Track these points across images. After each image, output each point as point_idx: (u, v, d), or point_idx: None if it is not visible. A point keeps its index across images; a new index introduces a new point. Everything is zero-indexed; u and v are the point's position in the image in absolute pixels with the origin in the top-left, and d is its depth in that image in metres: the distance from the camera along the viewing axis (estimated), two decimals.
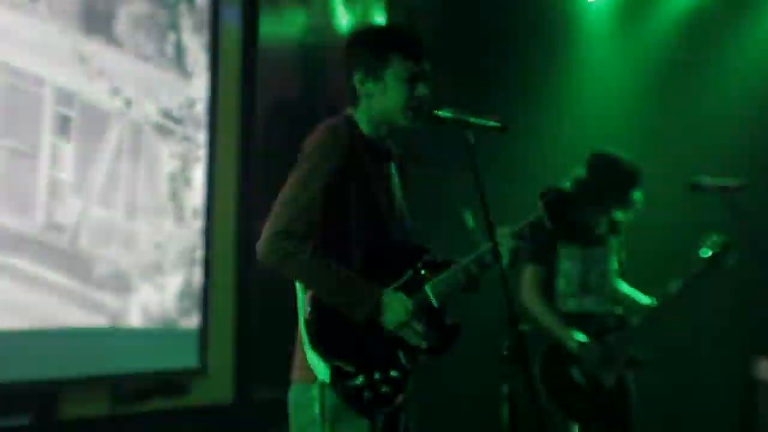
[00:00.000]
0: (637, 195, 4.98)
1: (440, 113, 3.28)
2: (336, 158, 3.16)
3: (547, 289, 4.99)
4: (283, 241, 3.07)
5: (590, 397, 4.90)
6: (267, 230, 3.10)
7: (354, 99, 3.35)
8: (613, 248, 5.12)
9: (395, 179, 3.43)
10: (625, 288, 5.18)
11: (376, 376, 3.14)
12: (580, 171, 5.01)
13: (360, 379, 3.10)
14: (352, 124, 3.29)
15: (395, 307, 3.16)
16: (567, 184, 4.92)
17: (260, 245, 3.10)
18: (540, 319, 4.93)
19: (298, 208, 3.10)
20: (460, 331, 3.32)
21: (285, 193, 3.15)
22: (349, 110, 3.37)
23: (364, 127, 3.32)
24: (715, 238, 4.91)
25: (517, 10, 7.55)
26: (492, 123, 3.27)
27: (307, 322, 3.12)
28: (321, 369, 3.10)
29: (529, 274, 5.00)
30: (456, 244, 3.42)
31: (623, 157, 5.02)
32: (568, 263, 4.98)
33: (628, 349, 4.97)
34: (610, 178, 4.98)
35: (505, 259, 3.29)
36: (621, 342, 4.95)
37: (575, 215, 4.99)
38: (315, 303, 3.11)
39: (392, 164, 3.43)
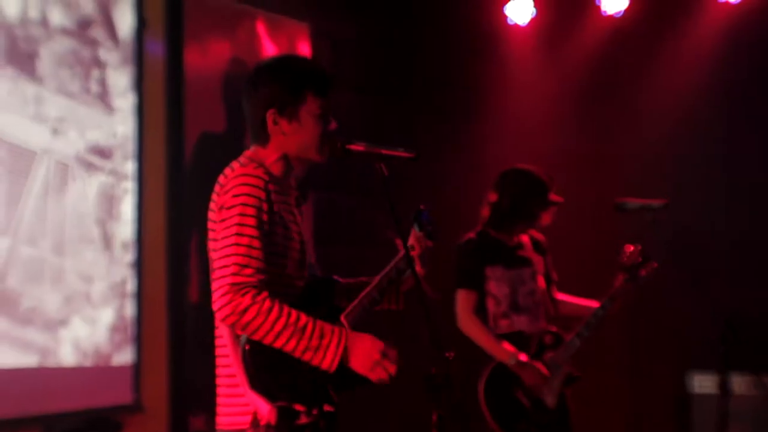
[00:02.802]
0: (553, 195, 5.08)
1: (352, 147, 3.31)
2: (259, 202, 3.15)
3: (479, 312, 5.06)
4: (237, 294, 3.03)
5: (533, 417, 4.95)
6: (218, 288, 3.06)
7: (261, 135, 3.33)
8: (540, 268, 5.19)
9: (300, 212, 3.44)
10: (564, 297, 5.27)
11: (314, 412, 3.15)
12: (492, 195, 5.10)
13: (303, 418, 3.11)
14: (261, 164, 3.26)
15: (366, 348, 3.14)
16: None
17: (216, 304, 3.05)
18: (478, 341, 4.99)
19: (240, 257, 3.07)
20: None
21: (223, 246, 3.11)
22: (253, 148, 3.35)
23: (272, 165, 3.31)
24: (632, 249, 5.00)
25: (440, 34, 7.63)
26: (404, 153, 3.31)
27: (245, 359, 3.09)
28: (263, 408, 3.09)
29: (461, 299, 5.08)
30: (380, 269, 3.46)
31: (527, 168, 5.12)
32: (495, 285, 5.05)
33: (565, 366, 5.03)
34: (526, 186, 5.08)
35: (420, 261, 3.35)
36: (559, 359, 5.01)
37: (499, 237, 5.10)
38: (251, 339, 3.09)
39: (294, 198, 3.43)
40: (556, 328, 5.14)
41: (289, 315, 3.05)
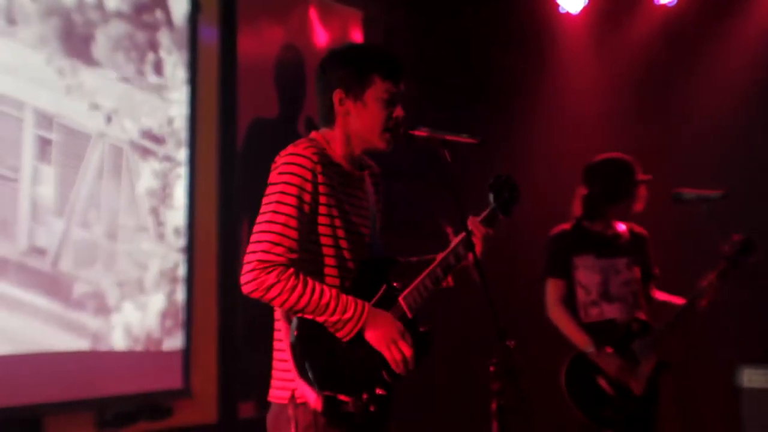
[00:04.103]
0: (640, 177, 5.09)
1: (416, 133, 3.29)
2: (303, 182, 3.15)
3: (569, 300, 5.09)
4: (264, 272, 3.05)
5: (619, 404, 4.93)
6: (247, 262, 3.08)
7: (328, 117, 3.35)
8: (637, 259, 5.17)
9: (369, 197, 3.43)
10: (658, 295, 5.25)
11: (364, 397, 3.14)
12: (582, 188, 5.14)
13: (350, 405, 3.10)
14: (320, 145, 3.27)
15: (386, 325, 3.17)
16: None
17: (243, 278, 3.08)
18: (562, 330, 5.05)
19: (274, 235, 3.08)
20: (432, 339, 3.32)
21: (259, 222, 3.13)
22: (321, 130, 3.36)
23: (337, 147, 3.32)
24: (734, 238, 4.97)
25: (492, 23, 7.60)
26: (468, 138, 3.29)
27: (293, 346, 3.11)
28: (311, 396, 3.09)
29: (549, 288, 5.18)
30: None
31: (610, 154, 5.18)
32: (584, 274, 5.08)
33: (654, 353, 5.01)
34: (615, 170, 5.11)
35: (481, 246, 3.33)
36: (646, 347, 4.99)
37: (594, 228, 5.11)
38: (301, 326, 3.10)
39: (367, 182, 3.43)
40: (644, 316, 5.11)
41: (313, 292, 3.07)
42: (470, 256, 3.32)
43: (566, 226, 5.21)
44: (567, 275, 5.13)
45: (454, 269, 3.40)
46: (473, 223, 3.41)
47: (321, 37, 6.52)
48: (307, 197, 3.15)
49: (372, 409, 3.16)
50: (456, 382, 6.20)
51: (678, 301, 5.13)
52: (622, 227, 5.22)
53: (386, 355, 3.17)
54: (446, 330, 3.51)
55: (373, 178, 3.49)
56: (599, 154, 5.26)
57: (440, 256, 3.37)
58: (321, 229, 3.21)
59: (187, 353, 5.59)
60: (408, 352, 3.17)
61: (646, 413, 5.00)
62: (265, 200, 3.17)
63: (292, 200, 3.13)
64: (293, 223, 3.11)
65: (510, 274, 6.08)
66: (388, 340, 3.16)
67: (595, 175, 5.17)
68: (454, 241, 3.38)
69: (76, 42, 5.03)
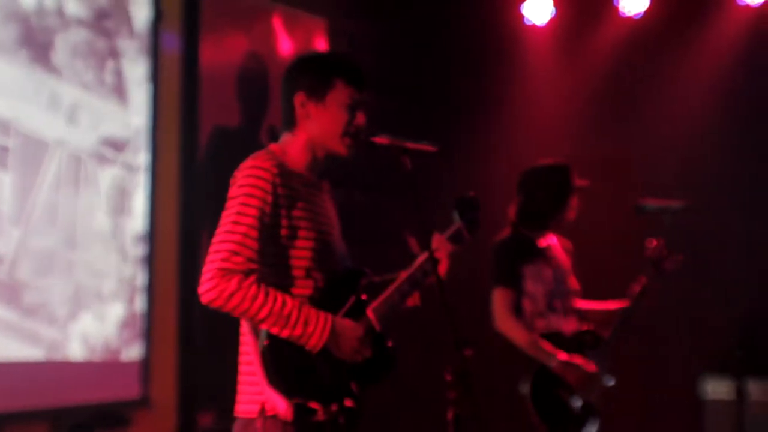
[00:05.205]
0: (577, 184, 5.05)
1: (377, 140, 3.29)
2: (264, 194, 3.14)
3: (515, 312, 4.99)
4: (224, 280, 3.03)
5: (581, 418, 4.91)
6: (206, 271, 3.06)
7: (290, 121, 3.34)
8: (570, 269, 5.15)
9: (329, 204, 3.42)
10: (584, 304, 5.22)
11: (334, 408, 3.13)
12: (520, 195, 5.07)
13: (320, 413, 3.10)
14: (279, 158, 3.26)
15: (347, 335, 3.16)
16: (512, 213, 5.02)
17: (202, 287, 3.05)
18: (516, 341, 4.91)
19: (234, 244, 3.07)
20: (396, 354, 3.33)
21: (219, 233, 3.12)
22: (281, 140, 3.35)
23: (298, 155, 3.31)
24: (655, 243, 4.98)
25: (456, 33, 7.61)
26: (427, 146, 3.30)
27: (263, 355, 3.09)
28: (281, 406, 3.07)
29: (498, 298, 4.97)
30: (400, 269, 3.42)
31: (548, 161, 5.13)
32: (532, 284, 4.98)
33: (606, 364, 4.99)
34: (554, 178, 5.05)
35: (446, 263, 3.32)
36: (600, 357, 4.96)
37: (532, 237, 5.05)
38: (271, 335, 3.08)
39: (325, 189, 3.43)
40: (593, 327, 5.09)
41: (275, 301, 3.05)
42: (434, 273, 3.30)
43: (507, 233, 5.07)
44: (516, 285, 4.97)
45: (422, 284, 3.38)
46: (439, 240, 3.41)
47: (285, 45, 6.50)
48: (267, 209, 3.14)
49: (341, 420, 3.16)
50: (417, 391, 6.18)
51: (599, 305, 5.15)
52: (553, 237, 5.19)
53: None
54: (407, 338, 3.48)
55: (329, 184, 3.48)
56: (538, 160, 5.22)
57: (405, 274, 3.36)
58: (285, 241, 3.20)
59: (146, 363, 5.55)
60: (368, 353, 3.21)
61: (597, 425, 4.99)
62: (224, 213, 3.16)
63: (254, 211, 3.11)
64: (254, 233, 3.09)
65: (470, 282, 6.04)
66: (351, 351, 3.17)
67: (536, 183, 5.06)
68: (420, 257, 3.37)
69: (35, 48, 4.98)
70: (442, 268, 3.33)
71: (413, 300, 3.42)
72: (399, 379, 3.39)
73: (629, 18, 7.35)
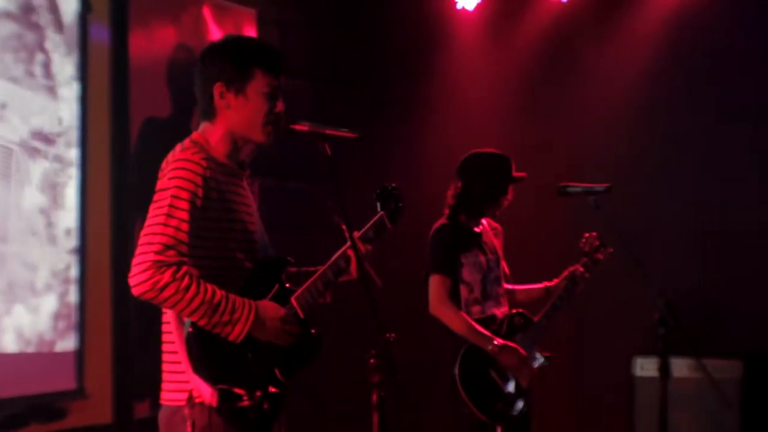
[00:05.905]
0: (516, 175, 5.15)
1: (297, 127, 3.33)
2: (195, 188, 3.17)
3: (452, 298, 5.06)
4: (158, 272, 3.05)
5: (510, 398, 4.99)
6: (139, 263, 3.07)
7: (209, 111, 3.36)
8: (501, 254, 5.26)
9: (248, 192, 3.46)
10: (512, 287, 5.33)
11: (258, 394, 3.19)
12: (459, 181, 5.13)
13: (245, 400, 3.14)
14: (204, 148, 3.29)
15: (270, 315, 3.22)
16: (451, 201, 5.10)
17: (135, 279, 3.07)
18: (453, 326, 4.99)
19: (167, 237, 3.09)
20: (321, 341, 3.40)
21: (150, 225, 3.14)
22: (201, 127, 3.37)
23: (219, 144, 3.34)
24: (588, 235, 5.13)
25: (387, 20, 7.66)
26: (348, 133, 3.35)
27: (188, 343, 3.13)
28: (206, 391, 3.12)
29: (435, 284, 5.07)
30: (329, 256, 3.49)
31: (487, 149, 5.21)
32: (468, 271, 5.07)
33: (535, 347, 5.09)
34: (494, 166, 5.13)
35: (354, 262, 3.38)
36: (529, 340, 5.07)
37: (468, 224, 5.13)
38: (195, 323, 3.12)
39: (245, 178, 3.46)
40: (524, 310, 5.19)
41: (206, 292, 3.09)
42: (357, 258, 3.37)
43: (444, 221, 5.15)
44: (453, 273, 5.08)
45: (346, 272, 3.45)
46: (357, 238, 3.46)
47: (215, 36, 6.50)
48: (198, 203, 3.17)
49: (266, 407, 3.21)
50: (340, 375, 6.24)
51: (527, 287, 5.28)
52: (484, 223, 5.27)
53: (279, 344, 3.25)
54: (330, 323, 3.55)
55: (248, 174, 3.51)
56: (475, 148, 5.29)
57: (326, 265, 3.43)
58: (211, 233, 3.23)
59: (80, 354, 5.56)
60: (296, 330, 3.28)
61: (529, 407, 5.09)
62: (154, 205, 3.18)
63: (185, 205, 3.14)
64: (185, 227, 3.12)
65: (400, 270, 6.12)
66: (277, 333, 3.23)
67: (476, 171, 5.14)
68: (342, 249, 3.43)
69: None
70: (360, 257, 3.38)
71: (324, 299, 3.47)
72: (323, 364, 3.45)
73: (558, 1, 7.45)
